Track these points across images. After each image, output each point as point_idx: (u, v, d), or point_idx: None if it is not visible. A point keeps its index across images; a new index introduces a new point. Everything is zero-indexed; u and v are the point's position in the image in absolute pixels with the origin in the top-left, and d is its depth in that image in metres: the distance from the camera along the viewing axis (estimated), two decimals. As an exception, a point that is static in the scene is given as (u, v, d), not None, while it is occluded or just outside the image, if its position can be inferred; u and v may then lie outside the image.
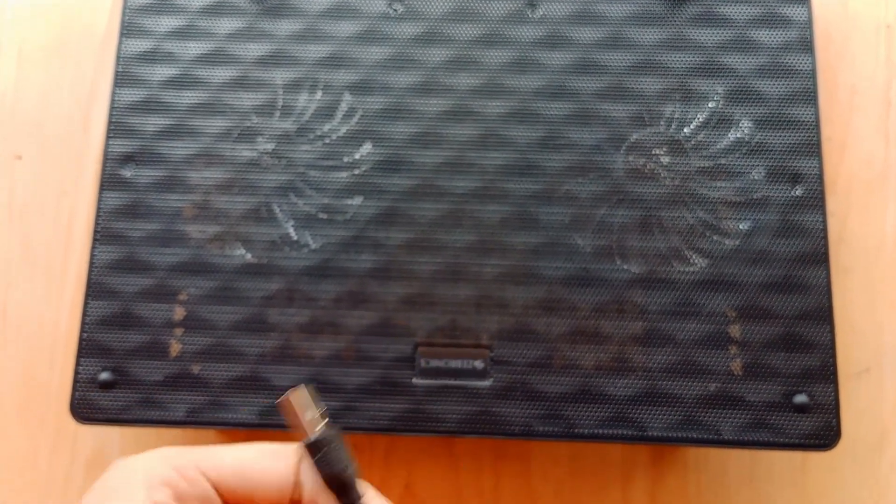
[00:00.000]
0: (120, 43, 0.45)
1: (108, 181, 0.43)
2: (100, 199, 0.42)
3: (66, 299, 0.47)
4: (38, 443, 0.45)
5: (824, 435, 0.39)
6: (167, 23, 0.45)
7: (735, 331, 0.40)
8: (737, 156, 0.42)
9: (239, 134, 0.43)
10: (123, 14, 0.45)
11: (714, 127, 0.43)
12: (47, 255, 0.47)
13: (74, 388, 0.40)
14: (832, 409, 0.39)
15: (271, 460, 0.27)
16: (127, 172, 0.43)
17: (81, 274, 0.46)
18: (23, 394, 0.46)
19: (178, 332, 0.41)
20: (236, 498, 0.27)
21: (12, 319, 0.46)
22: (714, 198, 0.42)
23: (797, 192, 0.42)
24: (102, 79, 0.49)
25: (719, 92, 0.43)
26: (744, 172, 0.42)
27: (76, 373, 0.40)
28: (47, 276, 0.47)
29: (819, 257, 0.41)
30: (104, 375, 0.40)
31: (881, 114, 0.47)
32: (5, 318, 0.46)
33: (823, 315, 0.40)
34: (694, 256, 0.41)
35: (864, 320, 0.44)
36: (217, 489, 0.26)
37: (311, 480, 0.27)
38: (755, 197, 0.42)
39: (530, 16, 0.45)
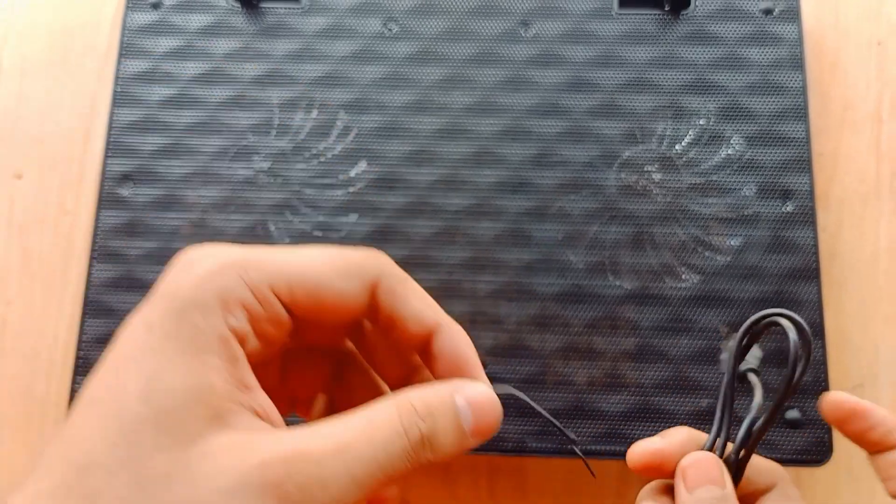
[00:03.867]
0: (118, 63, 0.46)
1: (107, 200, 0.43)
2: (97, 218, 0.43)
3: (65, 315, 0.47)
4: (34, 455, 0.45)
5: (817, 450, 0.39)
6: (165, 43, 0.46)
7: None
8: (728, 172, 0.43)
9: (235, 153, 0.44)
10: (122, 35, 0.46)
11: (705, 144, 0.43)
12: (47, 272, 0.47)
13: (70, 407, 0.40)
14: (825, 425, 0.39)
15: (346, 282, 0.24)
16: (125, 191, 0.43)
17: (80, 290, 0.46)
18: (20, 407, 0.46)
19: (175, 349, 0.41)
20: (306, 316, 0.24)
21: (11, 334, 0.47)
22: (705, 214, 0.42)
23: (788, 208, 0.42)
24: (103, 97, 0.49)
25: (710, 109, 0.44)
26: (735, 189, 0.42)
27: (72, 391, 0.40)
28: (46, 292, 0.47)
29: (810, 273, 0.41)
30: (101, 393, 0.40)
31: (873, 129, 0.47)
32: (4, 333, 0.47)
33: (815, 330, 0.40)
34: (686, 272, 0.41)
35: (858, 335, 0.44)
36: (287, 308, 0.24)
37: (388, 305, 0.25)
38: (746, 213, 0.42)
39: (523, 35, 0.45)
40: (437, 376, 0.26)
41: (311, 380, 0.28)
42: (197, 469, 0.20)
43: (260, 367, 0.24)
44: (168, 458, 0.20)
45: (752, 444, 0.28)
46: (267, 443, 0.21)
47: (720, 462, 0.28)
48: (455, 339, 0.26)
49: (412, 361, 0.27)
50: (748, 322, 0.29)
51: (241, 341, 0.22)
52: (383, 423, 0.22)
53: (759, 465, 0.30)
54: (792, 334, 0.27)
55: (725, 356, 0.31)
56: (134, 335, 0.22)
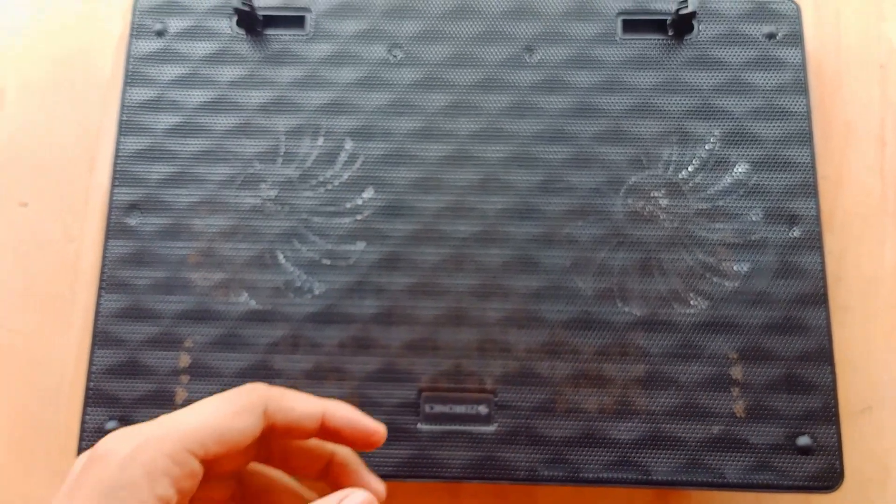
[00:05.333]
0: (124, 92, 0.46)
1: (114, 230, 0.43)
2: (105, 248, 0.43)
3: (72, 344, 0.47)
4: (42, 485, 0.45)
5: (828, 476, 0.39)
6: (170, 71, 0.46)
7: (737, 372, 0.40)
8: (734, 197, 0.43)
9: (242, 181, 0.44)
10: (127, 63, 0.46)
11: (711, 169, 0.43)
12: (51, 300, 0.47)
13: (81, 438, 0.40)
14: (835, 451, 0.39)
15: (244, 420, 0.29)
16: (132, 221, 0.43)
17: (86, 319, 0.46)
18: (27, 437, 0.46)
19: (184, 379, 0.41)
20: (217, 460, 0.28)
21: (17, 362, 0.47)
22: (713, 239, 0.42)
23: (795, 234, 0.42)
24: (107, 124, 0.49)
25: (716, 134, 0.44)
26: (741, 214, 0.43)
27: (83, 422, 0.40)
28: (51, 320, 0.47)
29: (818, 298, 0.41)
30: (111, 424, 0.40)
31: (876, 151, 0.47)
32: (11, 362, 0.47)
33: (824, 356, 0.40)
34: (694, 298, 0.41)
35: (864, 358, 0.44)
36: (201, 460, 0.28)
37: (282, 419, 0.30)
38: (753, 238, 0.42)
39: (528, 60, 0.46)
40: (345, 443, 0.32)
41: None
42: None
43: None
44: None
45: None
46: None
47: None
48: (340, 411, 0.31)
49: (323, 451, 0.33)
50: None
51: (167, 503, 0.26)
52: None
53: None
54: None
55: None
56: None
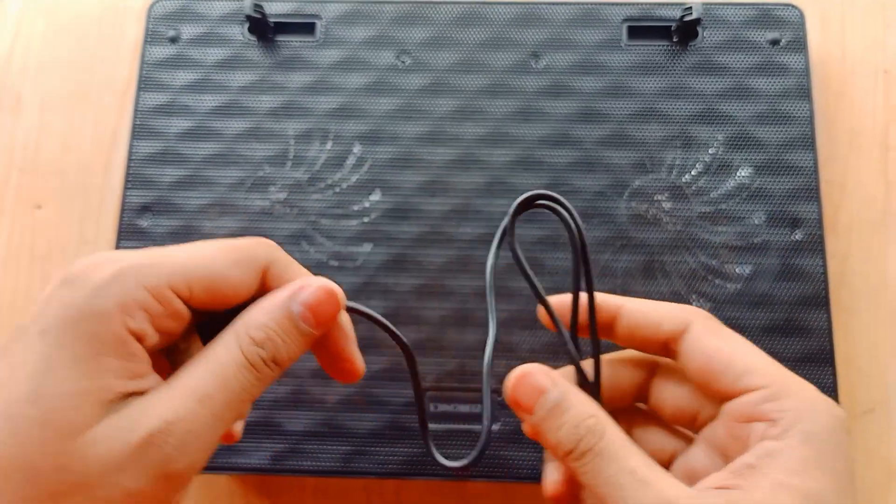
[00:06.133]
0: (138, 96, 0.47)
1: (126, 231, 0.44)
2: (118, 249, 0.44)
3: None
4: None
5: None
6: (183, 76, 0.47)
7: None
8: (737, 201, 0.43)
9: (252, 184, 0.45)
10: (141, 68, 0.47)
11: (714, 173, 0.44)
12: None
13: None
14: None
15: (240, 271, 0.26)
16: (144, 222, 0.44)
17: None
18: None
19: (193, 378, 0.42)
20: (203, 306, 0.26)
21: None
22: (715, 242, 0.43)
23: (797, 237, 0.42)
24: (122, 129, 0.50)
25: (719, 139, 0.44)
26: (744, 217, 0.43)
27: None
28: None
29: (819, 300, 0.41)
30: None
31: (880, 156, 0.48)
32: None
33: (825, 357, 0.40)
34: (697, 300, 0.42)
35: (868, 360, 0.45)
36: (185, 301, 0.26)
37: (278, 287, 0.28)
38: (756, 241, 0.43)
39: (534, 66, 0.46)
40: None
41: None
42: (88, 455, 0.22)
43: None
44: (57, 451, 0.22)
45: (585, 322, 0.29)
46: (146, 418, 0.23)
47: (536, 366, 0.28)
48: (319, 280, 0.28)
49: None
50: (519, 202, 0.30)
51: (141, 338, 0.24)
52: (230, 363, 0.25)
53: (653, 314, 0.29)
54: (566, 213, 0.29)
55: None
56: (27, 341, 0.23)
